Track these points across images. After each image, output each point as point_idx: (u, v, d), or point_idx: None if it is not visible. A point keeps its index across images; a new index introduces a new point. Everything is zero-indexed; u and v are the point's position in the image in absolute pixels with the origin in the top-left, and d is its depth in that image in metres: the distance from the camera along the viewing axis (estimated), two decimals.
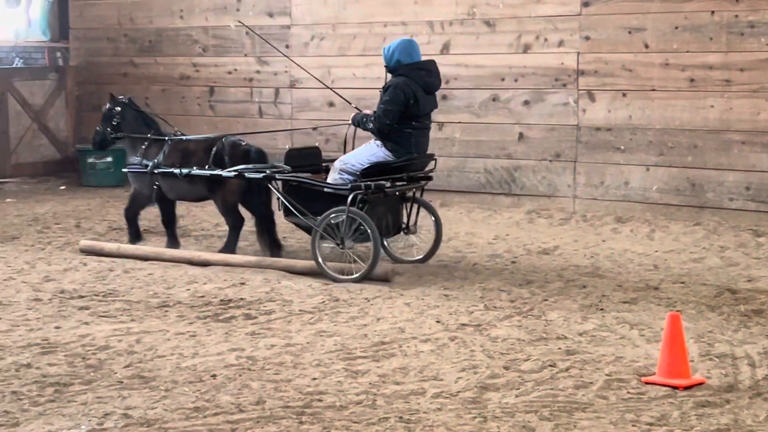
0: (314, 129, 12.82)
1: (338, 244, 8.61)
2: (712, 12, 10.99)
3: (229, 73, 14.07)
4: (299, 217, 8.82)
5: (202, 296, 8.08)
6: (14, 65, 15.84)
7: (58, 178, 14.82)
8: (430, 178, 9.28)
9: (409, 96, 8.70)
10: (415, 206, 9.27)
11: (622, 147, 11.55)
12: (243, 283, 8.47)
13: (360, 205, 8.56)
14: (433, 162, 9.24)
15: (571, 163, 11.87)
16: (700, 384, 5.98)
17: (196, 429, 5.31)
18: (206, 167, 9.32)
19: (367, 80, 12.60)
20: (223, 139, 9.54)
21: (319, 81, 10.77)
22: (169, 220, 9.89)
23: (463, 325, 7.26)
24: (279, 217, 9.34)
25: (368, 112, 9.03)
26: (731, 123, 10.97)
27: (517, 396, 5.79)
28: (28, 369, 6.24)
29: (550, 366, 6.32)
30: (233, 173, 9.14)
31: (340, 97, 10.37)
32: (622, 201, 11.59)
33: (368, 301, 7.94)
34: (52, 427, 5.32)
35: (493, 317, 7.45)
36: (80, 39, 15.41)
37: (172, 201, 9.81)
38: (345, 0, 13.10)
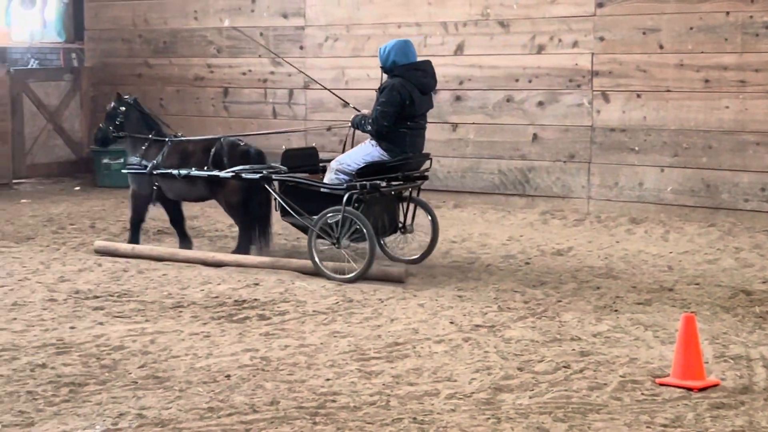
0: (328, 129, 12.81)
1: (334, 244, 8.66)
2: (727, 13, 10.96)
3: (244, 74, 14.10)
4: (296, 217, 8.87)
5: (216, 297, 8.10)
6: (29, 66, 15.91)
7: (72, 179, 14.87)
8: (426, 178, 9.31)
9: (405, 97, 8.74)
10: (412, 206, 9.30)
11: (637, 148, 11.53)
12: (257, 284, 8.49)
13: (356, 204, 8.62)
14: (428, 162, 9.27)
15: (585, 164, 11.85)
16: (715, 386, 5.96)
17: (210, 429, 5.32)
18: (205, 168, 9.38)
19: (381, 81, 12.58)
20: (222, 140, 9.59)
21: (315, 81, 10.80)
22: (176, 220, 9.93)
23: (477, 326, 7.25)
24: (276, 216, 9.40)
25: (366, 112, 9.08)
26: (746, 124, 10.94)
27: (531, 397, 5.78)
28: (43, 369, 6.27)
29: (564, 367, 6.31)
30: (230, 174, 9.20)
31: (338, 97, 10.47)
32: (636, 202, 11.57)
33: (382, 302, 7.94)
34: (67, 427, 5.34)
35: (507, 318, 7.45)
36: (95, 40, 15.46)
37: (174, 201, 9.85)
38: (359, 1, 13.11)
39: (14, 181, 14.28)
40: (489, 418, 5.46)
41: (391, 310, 7.68)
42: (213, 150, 9.45)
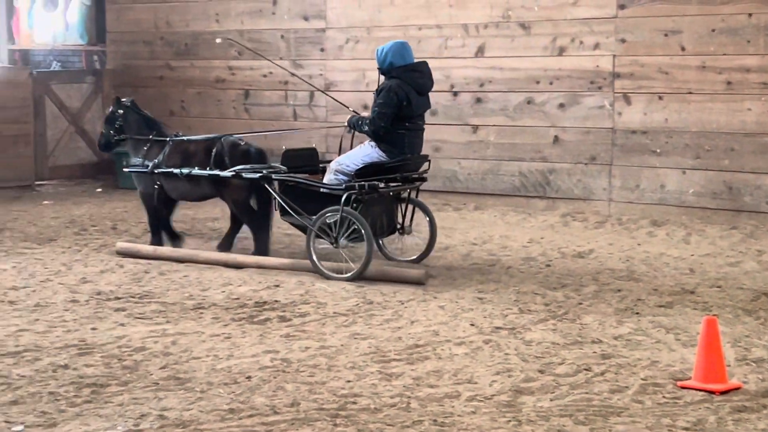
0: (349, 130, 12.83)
1: (332, 243, 8.69)
2: (750, 14, 10.91)
3: (264, 76, 14.13)
4: (295, 216, 8.91)
5: (237, 298, 8.12)
6: (52, 68, 15.99)
7: (94, 181, 14.93)
8: (424, 179, 9.35)
9: (402, 98, 8.79)
10: (410, 207, 9.33)
11: (658, 150, 11.49)
12: (277, 286, 8.50)
13: (354, 205, 8.67)
14: (427, 163, 9.30)
15: (606, 166, 11.82)
16: (737, 389, 5.93)
17: (231, 430, 5.33)
18: (207, 168, 9.42)
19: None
20: (223, 140, 9.63)
21: (308, 83, 10.77)
22: (169, 220, 9.96)
23: (498, 328, 7.25)
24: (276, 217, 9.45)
25: (364, 114, 9.12)
26: None
27: (551, 400, 5.77)
28: (65, 370, 6.29)
29: (585, 370, 6.29)
30: (231, 174, 9.25)
31: (334, 99, 10.50)
32: (657, 204, 11.53)
33: (402, 303, 7.94)
34: (89, 428, 5.36)
35: (527, 320, 7.44)
36: (117, 42, 15.52)
37: (174, 201, 9.90)
38: (380, 3, 13.12)
39: (36, 183, 14.35)
40: (510, 421, 5.45)
41: (411, 312, 7.68)
42: (214, 150, 9.51)
